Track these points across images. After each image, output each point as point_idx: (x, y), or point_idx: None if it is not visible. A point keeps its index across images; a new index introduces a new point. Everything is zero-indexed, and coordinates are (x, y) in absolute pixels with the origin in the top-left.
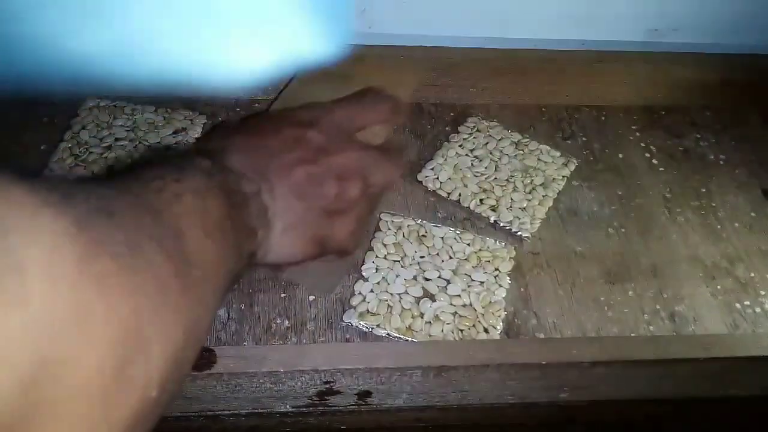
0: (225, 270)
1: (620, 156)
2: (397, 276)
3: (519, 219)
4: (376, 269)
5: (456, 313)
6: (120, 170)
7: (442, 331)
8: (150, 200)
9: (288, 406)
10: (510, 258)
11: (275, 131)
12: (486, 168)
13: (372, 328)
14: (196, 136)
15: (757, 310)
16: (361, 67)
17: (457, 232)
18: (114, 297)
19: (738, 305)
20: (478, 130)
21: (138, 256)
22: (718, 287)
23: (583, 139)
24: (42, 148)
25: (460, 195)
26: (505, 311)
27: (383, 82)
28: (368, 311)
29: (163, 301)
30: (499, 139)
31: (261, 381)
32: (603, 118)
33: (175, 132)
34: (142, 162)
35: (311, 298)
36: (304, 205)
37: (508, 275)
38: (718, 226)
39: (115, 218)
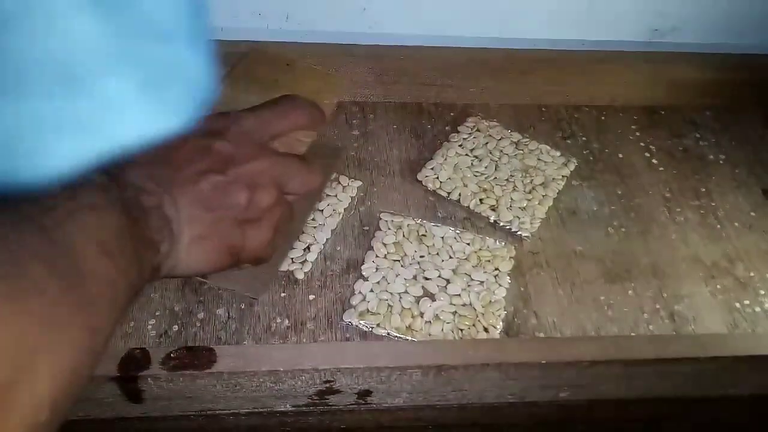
0: (125, 284)
1: (620, 156)
2: (397, 275)
3: (519, 219)
4: (376, 269)
5: (456, 312)
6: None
7: (442, 330)
8: (41, 219)
9: (288, 406)
10: (510, 257)
11: (180, 142)
12: (486, 168)
13: (372, 328)
14: None
15: (757, 309)
16: (289, 73)
17: (457, 231)
18: None
19: (738, 305)
20: (478, 130)
21: (23, 277)
22: (718, 287)
23: (583, 139)
24: None
25: (460, 195)
26: (505, 311)
27: (309, 88)
28: (368, 310)
29: (51, 322)
30: (499, 139)
31: (261, 380)
32: (603, 118)
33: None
34: None
35: (311, 297)
36: (213, 215)
37: (508, 275)
38: (718, 226)
39: (1, 240)
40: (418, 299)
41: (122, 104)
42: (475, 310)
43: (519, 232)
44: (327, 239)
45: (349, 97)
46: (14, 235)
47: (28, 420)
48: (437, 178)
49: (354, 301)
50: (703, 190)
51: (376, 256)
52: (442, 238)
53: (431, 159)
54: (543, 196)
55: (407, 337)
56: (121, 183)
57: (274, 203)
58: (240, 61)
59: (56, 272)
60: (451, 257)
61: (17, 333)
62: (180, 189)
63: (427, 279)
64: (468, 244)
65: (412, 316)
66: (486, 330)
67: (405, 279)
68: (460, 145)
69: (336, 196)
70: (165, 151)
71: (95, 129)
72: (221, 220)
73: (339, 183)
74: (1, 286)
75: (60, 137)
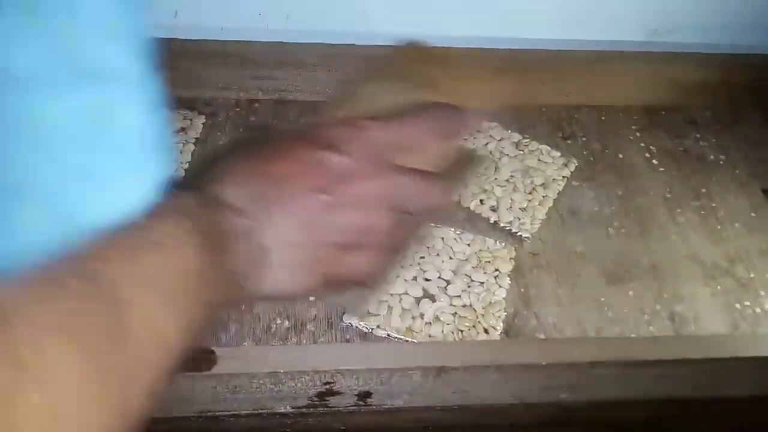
0: (183, 328)
1: (620, 156)
2: (397, 276)
3: (519, 219)
4: None
5: (456, 313)
6: None
7: (442, 331)
8: (91, 265)
9: (288, 407)
10: (510, 258)
11: (289, 154)
12: (486, 168)
13: (372, 329)
14: (196, 136)
15: (757, 310)
16: (446, 72)
17: (457, 232)
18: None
19: (738, 305)
20: (478, 130)
21: (38, 371)
22: (718, 287)
23: (583, 139)
24: None
25: (460, 195)
26: (505, 312)
27: (465, 92)
28: (368, 312)
29: (62, 421)
30: (499, 139)
31: (261, 381)
32: (603, 118)
33: (174, 132)
34: None
35: (311, 298)
36: (311, 239)
37: (508, 276)
38: (718, 226)
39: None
40: (418, 300)
41: (85, 175)
42: (476, 311)
43: (519, 233)
44: None
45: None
46: (57, 301)
47: None
48: None
49: (354, 303)
50: (704, 190)
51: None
52: (442, 238)
53: None
54: (543, 196)
55: (407, 339)
56: (212, 202)
57: (387, 229)
58: (394, 54)
59: (90, 349)
60: (451, 258)
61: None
62: (281, 208)
63: (427, 280)
64: (468, 245)
65: (413, 318)
66: (486, 331)
67: (405, 280)
68: None
69: None
70: (271, 162)
71: (58, 201)
72: (320, 245)
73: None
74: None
75: (23, 206)
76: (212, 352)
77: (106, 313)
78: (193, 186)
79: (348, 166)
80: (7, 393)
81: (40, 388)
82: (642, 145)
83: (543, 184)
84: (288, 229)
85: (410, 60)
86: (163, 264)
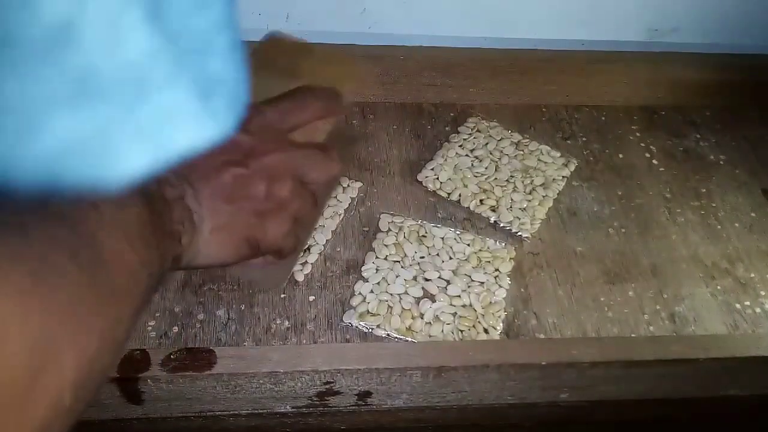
0: (147, 274)
1: (620, 156)
2: (397, 276)
3: (519, 219)
4: (376, 270)
5: (456, 313)
6: None
7: (442, 331)
8: (65, 212)
9: (288, 407)
10: (510, 258)
11: None
12: (486, 168)
13: (372, 329)
14: None
15: (757, 310)
16: (308, 59)
17: (457, 232)
18: (27, 312)
19: (738, 305)
20: (478, 130)
21: (51, 270)
22: (718, 287)
23: (583, 139)
24: None
25: (460, 195)
26: (505, 312)
27: (328, 75)
28: (368, 312)
29: (75, 312)
30: (499, 139)
31: (261, 381)
32: (603, 118)
33: None
34: None
35: (311, 298)
36: (233, 207)
37: (508, 276)
38: (718, 226)
39: (29, 233)
40: (418, 300)
41: (177, 114)
42: (476, 311)
43: (519, 233)
44: (327, 240)
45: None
46: (39, 227)
47: (52, 406)
48: (437, 178)
49: (354, 302)
50: (704, 190)
51: (376, 257)
52: (442, 238)
53: (431, 159)
54: (543, 196)
55: (407, 339)
56: None
57: (293, 194)
58: (258, 48)
59: (79, 262)
60: (451, 258)
61: (41, 323)
62: (201, 181)
63: (427, 280)
64: (468, 245)
65: (412, 317)
66: (486, 331)
67: (405, 280)
68: (460, 146)
69: (336, 197)
70: None
71: (153, 137)
72: (241, 211)
73: (339, 184)
74: (24, 277)
75: (122, 145)
76: (212, 351)
77: (90, 245)
78: None
79: (251, 142)
80: (38, 281)
81: (59, 283)
82: (642, 145)
83: (543, 184)
84: (210, 198)
85: (275, 51)
86: (120, 212)
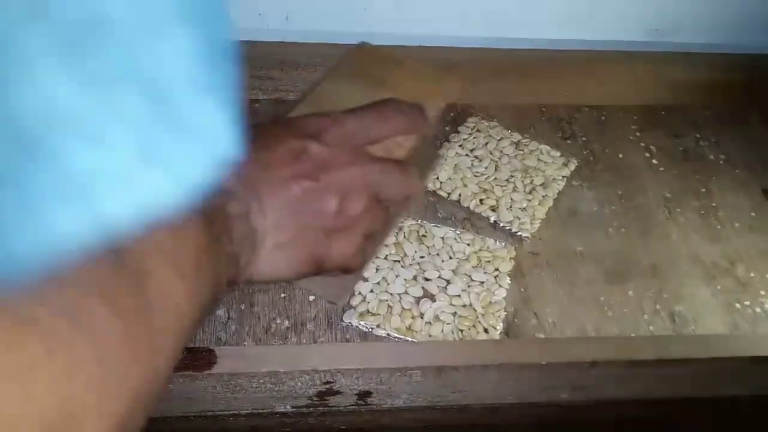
0: (195, 307)
1: (620, 156)
2: (397, 276)
3: (519, 219)
4: (376, 269)
5: (456, 313)
6: None
7: (442, 331)
8: (120, 243)
9: (288, 407)
10: (510, 258)
11: (275, 143)
12: (486, 168)
13: (372, 328)
14: None
15: (757, 310)
16: (397, 72)
17: (457, 232)
18: (40, 388)
19: (738, 305)
20: (478, 130)
21: (80, 327)
22: (718, 287)
23: (583, 139)
24: None
25: (460, 195)
26: (505, 311)
27: (417, 90)
28: (368, 311)
29: (105, 375)
30: (499, 139)
31: (261, 381)
32: (603, 118)
33: None
34: None
35: (311, 298)
36: (300, 222)
37: (508, 275)
38: (718, 226)
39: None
40: (418, 300)
41: (120, 169)
42: (475, 310)
43: (519, 233)
44: None
45: (461, 100)
46: (88, 269)
47: None
48: (437, 178)
49: (354, 302)
50: (704, 190)
51: (376, 257)
52: (442, 238)
53: None
54: (543, 196)
55: (407, 338)
56: None
57: (366, 212)
58: (347, 54)
59: (120, 314)
60: (451, 258)
61: (65, 395)
62: (270, 192)
63: (427, 280)
64: (468, 244)
65: (412, 317)
66: (486, 331)
67: (405, 280)
68: (460, 146)
69: None
70: (259, 150)
71: (92, 197)
72: (308, 227)
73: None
74: (52, 343)
75: (54, 206)
76: (212, 351)
77: (134, 284)
78: None
79: (326, 154)
80: (63, 342)
81: (89, 339)
82: (642, 145)
83: (543, 184)
84: (276, 212)
85: (363, 60)
86: (174, 239)
